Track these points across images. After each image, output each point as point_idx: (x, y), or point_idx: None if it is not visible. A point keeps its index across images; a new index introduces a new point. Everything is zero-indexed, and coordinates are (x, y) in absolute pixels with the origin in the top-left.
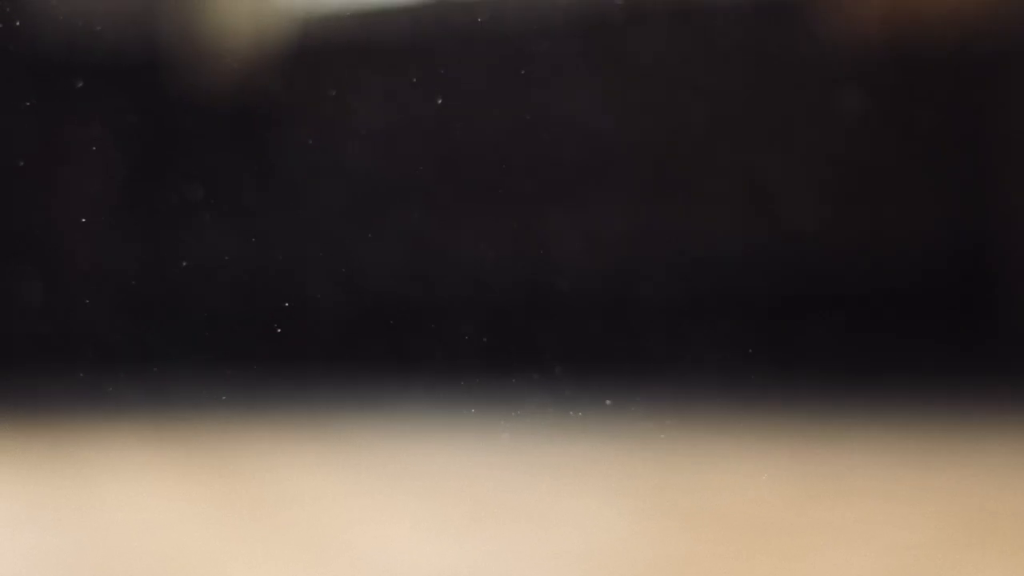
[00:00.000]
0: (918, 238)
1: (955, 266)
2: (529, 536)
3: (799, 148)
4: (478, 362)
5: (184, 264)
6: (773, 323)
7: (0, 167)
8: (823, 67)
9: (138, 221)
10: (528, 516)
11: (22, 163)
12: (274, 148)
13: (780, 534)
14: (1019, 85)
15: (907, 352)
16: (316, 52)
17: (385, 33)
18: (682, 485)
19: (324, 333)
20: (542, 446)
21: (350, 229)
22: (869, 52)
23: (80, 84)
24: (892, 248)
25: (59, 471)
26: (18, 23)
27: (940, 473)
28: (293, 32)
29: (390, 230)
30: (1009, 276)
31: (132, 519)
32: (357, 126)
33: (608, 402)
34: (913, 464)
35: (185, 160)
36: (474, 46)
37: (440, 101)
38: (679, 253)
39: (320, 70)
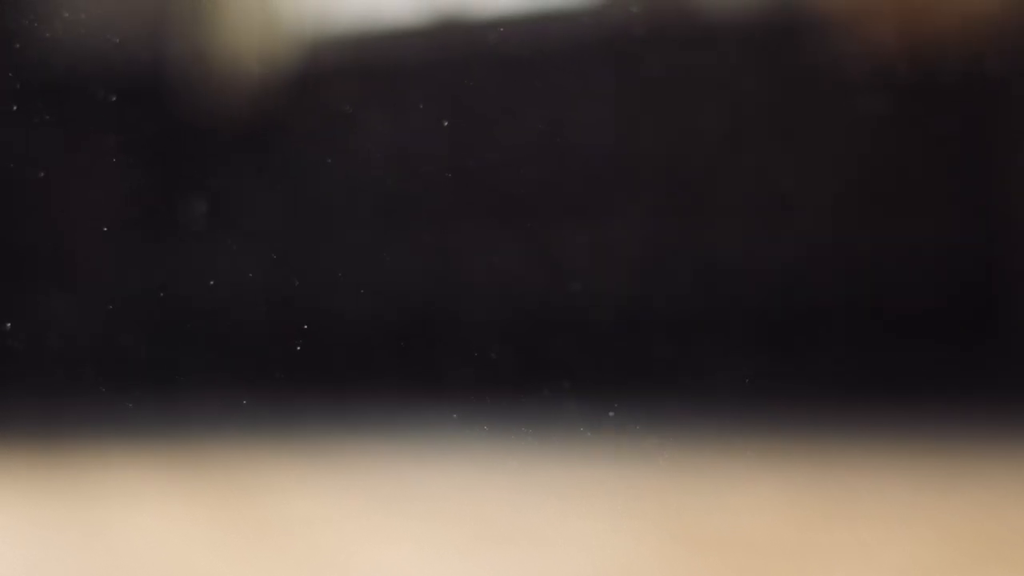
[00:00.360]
0: (931, 255)
1: (967, 284)
2: (535, 558)
3: (810, 164)
4: (486, 382)
5: (194, 285)
6: (783, 342)
7: (14, 186)
8: (835, 84)
9: (149, 241)
10: (534, 538)
11: (35, 182)
12: (286, 168)
13: (790, 556)
14: None
15: (918, 371)
16: (325, 73)
17: (394, 54)
18: (691, 507)
19: (329, 354)
20: (549, 466)
21: (358, 250)
22: (881, 69)
23: (100, 99)
24: (904, 265)
25: (66, 491)
26: (27, 44)
27: (951, 494)
28: (302, 53)
29: (398, 251)
30: (1022, 295)
31: (138, 540)
32: (367, 146)
33: (611, 413)
34: (924, 485)
35: (199, 180)
36: (483, 66)
37: (449, 121)
38: (689, 271)
39: (330, 91)
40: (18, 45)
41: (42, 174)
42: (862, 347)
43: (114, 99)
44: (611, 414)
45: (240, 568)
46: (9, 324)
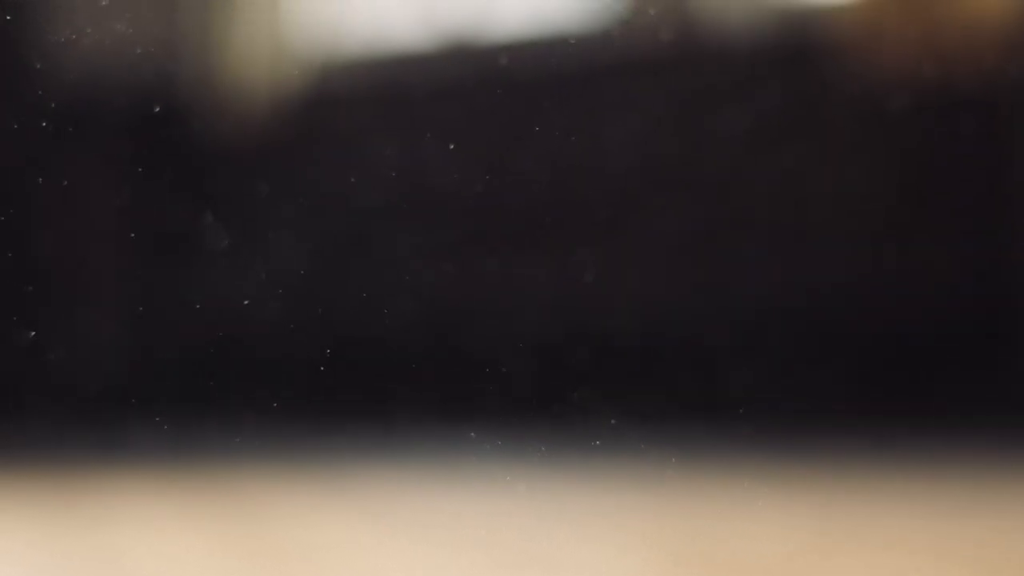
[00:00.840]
0: (946, 277)
1: (982, 312)
2: None
3: (819, 192)
4: (503, 404)
5: (203, 309)
6: (798, 365)
7: (26, 207)
8: (850, 105)
9: (161, 265)
10: (548, 565)
11: (41, 209)
12: (298, 192)
13: None
14: None
15: (934, 395)
16: (336, 97)
17: (405, 78)
18: (705, 534)
19: (341, 380)
20: (566, 489)
21: (370, 274)
22: (897, 89)
23: (110, 122)
24: (920, 287)
25: (79, 517)
26: (39, 68)
27: (967, 520)
28: (313, 77)
29: (412, 274)
30: None
31: (152, 567)
32: (378, 170)
33: (612, 421)
34: (939, 510)
35: (211, 204)
36: (493, 90)
37: (460, 144)
38: (705, 293)
39: (340, 115)
40: (30, 69)
41: (44, 203)
42: (877, 370)
43: (123, 122)
44: (612, 421)
45: None
46: (32, 333)
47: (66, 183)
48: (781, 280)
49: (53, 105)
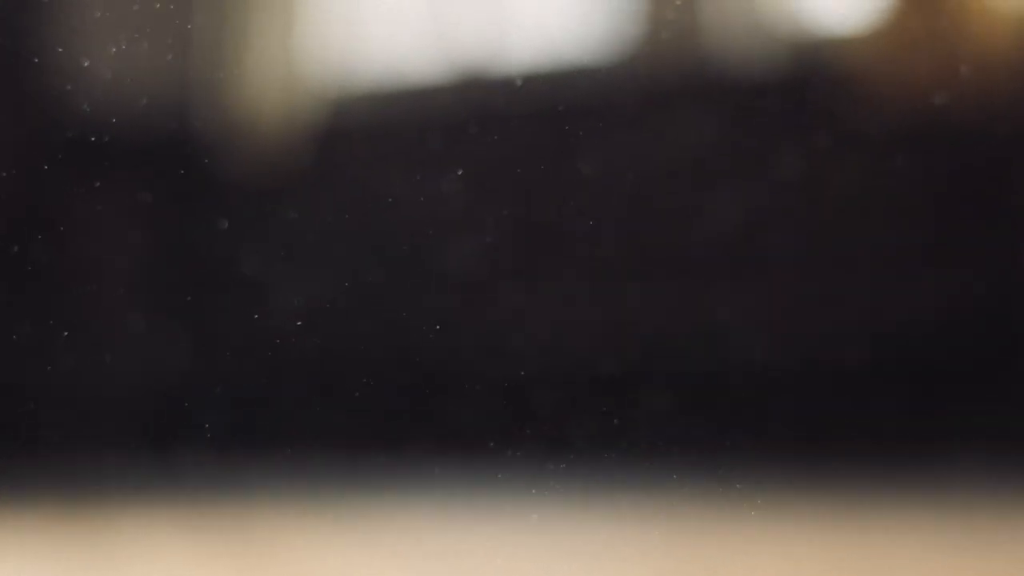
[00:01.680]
0: (956, 311)
1: (992, 343)
2: None
3: (829, 220)
4: (512, 441)
5: (214, 343)
6: (808, 399)
7: (31, 246)
8: (856, 137)
9: (175, 297)
10: None
11: (57, 240)
12: (310, 226)
13: None
14: None
15: (944, 428)
16: (349, 132)
17: (417, 112)
18: (716, 566)
19: (351, 412)
20: (575, 526)
21: (380, 309)
22: (903, 121)
23: (123, 157)
24: (929, 320)
25: (86, 553)
26: (51, 102)
27: (983, 555)
28: (326, 111)
29: (422, 310)
30: None
31: None
32: (391, 203)
33: (613, 451)
34: (956, 545)
35: (224, 238)
36: (506, 123)
37: (472, 177)
38: (709, 330)
39: (353, 149)
40: (46, 100)
41: (56, 236)
42: (886, 404)
43: (137, 154)
44: (612, 452)
45: None
46: (66, 333)
47: (80, 214)
48: (789, 307)
49: (68, 136)
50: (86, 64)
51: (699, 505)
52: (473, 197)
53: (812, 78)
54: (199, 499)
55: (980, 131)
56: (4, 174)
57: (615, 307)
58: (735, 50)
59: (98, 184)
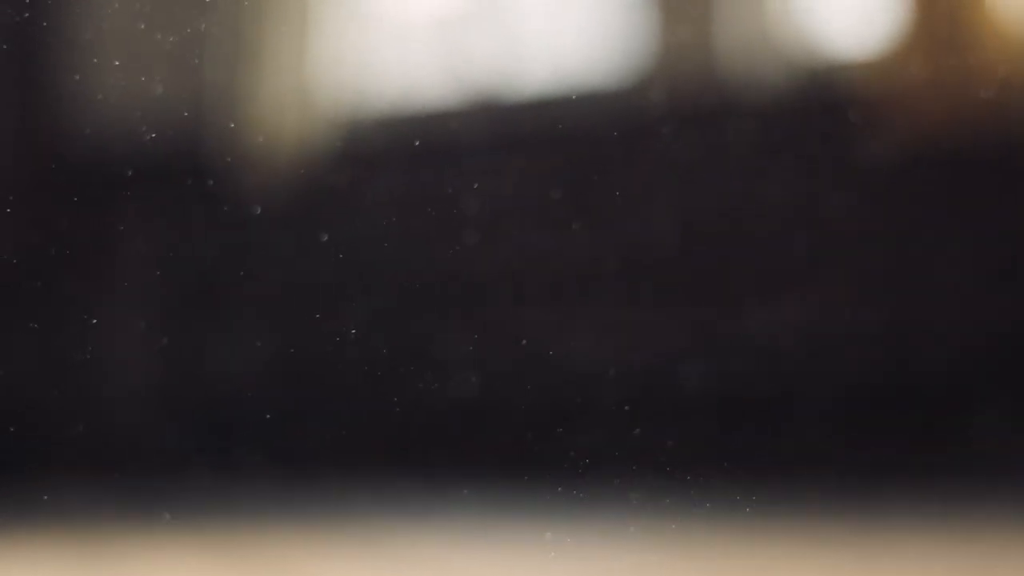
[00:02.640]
0: (972, 337)
1: (1008, 367)
2: None
3: (845, 243)
4: (527, 467)
5: (229, 367)
6: (828, 426)
7: (45, 270)
8: (868, 163)
9: (188, 321)
10: None
11: (70, 264)
12: (325, 248)
13: None
14: None
15: (963, 456)
16: (362, 155)
17: (431, 135)
18: None
19: (365, 437)
20: (592, 552)
21: (394, 333)
22: (914, 147)
23: (136, 178)
24: (944, 347)
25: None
26: (64, 124)
27: None
28: (339, 134)
29: (436, 335)
30: None
31: None
32: (405, 226)
33: (634, 499)
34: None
35: (237, 260)
36: (519, 147)
37: (485, 201)
38: (719, 353)
39: (365, 173)
40: (59, 124)
41: (69, 260)
42: (901, 431)
43: (150, 179)
44: (634, 499)
45: None
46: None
47: (94, 236)
48: (805, 331)
49: (83, 159)
50: (100, 88)
51: (721, 530)
52: (487, 219)
53: (825, 101)
54: (212, 521)
55: (993, 154)
56: (19, 198)
57: (633, 330)
58: (748, 74)
59: (111, 206)
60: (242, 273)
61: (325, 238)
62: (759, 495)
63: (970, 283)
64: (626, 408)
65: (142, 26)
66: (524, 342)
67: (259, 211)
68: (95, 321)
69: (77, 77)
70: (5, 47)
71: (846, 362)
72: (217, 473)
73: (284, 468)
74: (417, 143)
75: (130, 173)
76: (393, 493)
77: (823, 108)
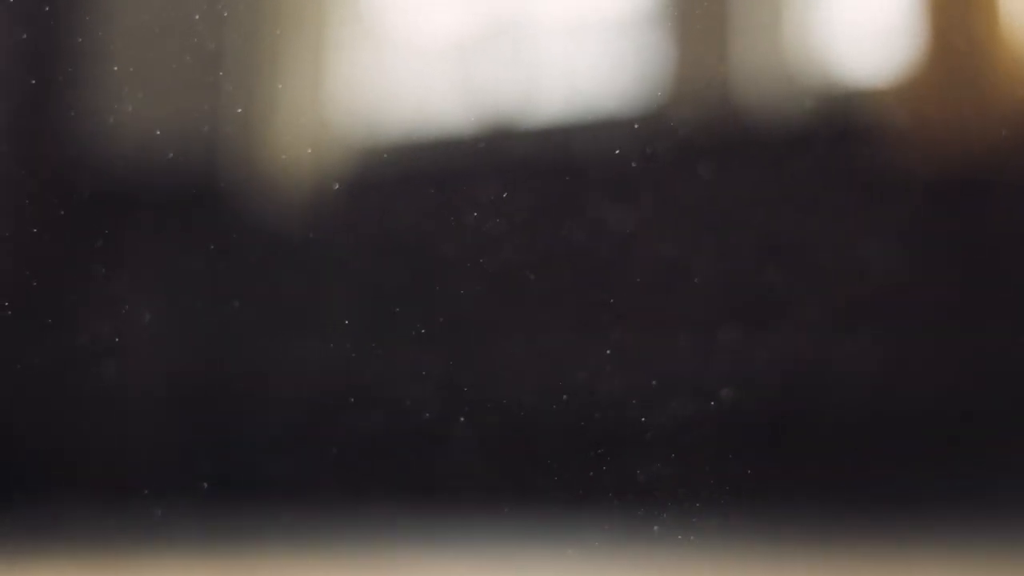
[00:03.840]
0: (996, 364)
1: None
2: None
3: (862, 273)
4: (541, 492)
5: (243, 392)
6: (848, 454)
7: (59, 296)
8: (891, 189)
9: (206, 349)
10: None
11: (83, 290)
12: (340, 276)
13: None
14: None
15: (988, 483)
16: (377, 182)
17: (446, 162)
18: None
19: (377, 463)
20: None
21: (407, 360)
22: (936, 174)
23: (150, 208)
24: (969, 374)
25: None
26: (78, 151)
27: None
28: (355, 162)
29: (449, 361)
30: None
31: None
32: (420, 254)
33: (656, 528)
34: None
35: (253, 288)
36: (535, 175)
37: (501, 228)
38: (742, 380)
39: (381, 200)
40: (71, 149)
41: (84, 285)
42: (925, 459)
43: (164, 204)
44: (655, 528)
45: None
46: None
47: (108, 264)
48: (819, 357)
49: (94, 186)
50: (113, 114)
51: (736, 554)
52: (502, 247)
53: (843, 130)
54: (220, 545)
55: (1016, 182)
56: (32, 228)
57: (647, 358)
58: (765, 101)
59: (125, 234)
60: (257, 300)
61: (323, 265)
62: (772, 522)
63: (991, 309)
64: (646, 435)
65: (155, 48)
66: (540, 368)
67: (273, 234)
68: (106, 342)
69: (89, 99)
70: (16, 66)
71: (864, 389)
72: (228, 495)
73: (300, 491)
74: (432, 168)
75: (143, 196)
76: (408, 519)
77: (840, 136)
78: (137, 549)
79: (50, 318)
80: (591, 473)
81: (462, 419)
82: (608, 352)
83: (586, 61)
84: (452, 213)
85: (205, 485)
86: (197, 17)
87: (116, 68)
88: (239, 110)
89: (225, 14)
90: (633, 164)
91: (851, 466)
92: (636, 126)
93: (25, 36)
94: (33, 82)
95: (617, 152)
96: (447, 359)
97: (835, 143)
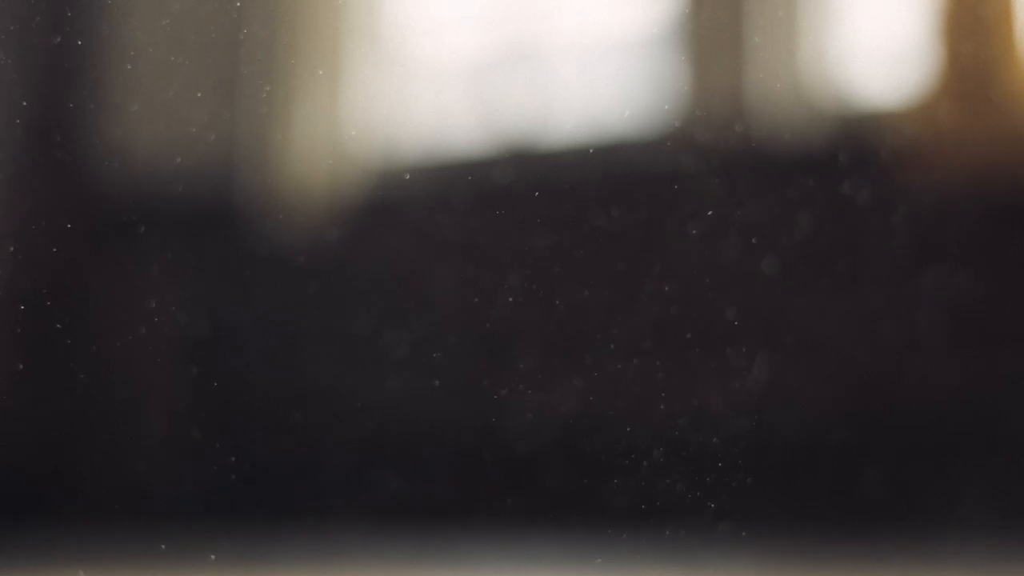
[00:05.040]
0: (1002, 395)
1: None
2: None
3: (880, 298)
4: (553, 515)
5: (254, 417)
6: (870, 480)
7: (75, 321)
8: (907, 216)
9: (223, 372)
10: None
11: (96, 310)
12: (358, 299)
13: None
14: None
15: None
16: (393, 205)
17: (464, 184)
18: None
19: (388, 486)
20: None
21: (421, 384)
22: (955, 200)
23: (167, 229)
24: (995, 400)
25: None
26: (94, 171)
27: None
28: (372, 183)
29: (461, 384)
30: None
31: None
32: (439, 276)
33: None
34: None
35: (270, 312)
36: (551, 197)
37: (518, 252)
38: (762, 408)
39: (397, 223)
40: (86, 169)
41: (99, 309)
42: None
43: (180, 224)
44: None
45: None
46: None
47: (121, 285)
48: (836, 382)
49: (110, 206)
50: (128, 134)
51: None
52: (519, 270)
53: (859, 152)
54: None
55: None
56: (45, 246)
57: (667, 381)
58: (780, 123)
59: (138, 254)
60: (272, 323)
61: (339, 288)
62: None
63: (1006, 334)
64: (661, 456)
65: (173, 70)
66: (560, 391)
67: (290, 259)
68: (118, 367)
69: (105, 121)
70: (31, 90)
71: (881, 413)
72: (246, 520)
73: (317, 512)
74: (449, 190)
75: (159, 218)
76: (413, 541)
77: (855, 158)
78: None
79: (63, 333)
80: (624, 491)
81: (492, 439)
82: (623, 369)
83: (602, 83)
84: (469, 234)
85: (220, 510)
86: (214, 36)
87: (133, 91)
88: (256, 132)
89: (242, 36)
90: (648, 185)
91: (906, 488)
92: (652, 147)
93: (43, 57)
94: (50, 104)
95: (633, 173)
96: (463, 379)
97: (850, 165)
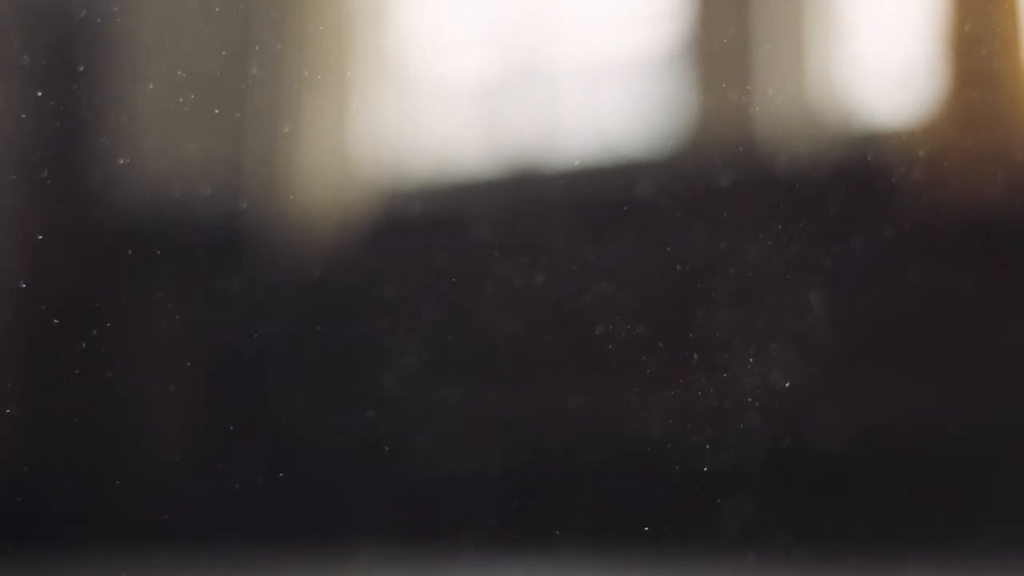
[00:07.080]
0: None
1: None
2: None
3: (889, 320)
4: (562, 536)
5: (267, 440)
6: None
7: (82, 341)
8: (923, 237)
9: (233, 395)
10: None
11: (107, 336)
12: (364, 320)
13: None
14: None
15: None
16: (402, 227)
17: (470, 206)
18: None
19: (394, 508)
20: None
21: (431, 405)
22: (972, 220)
23: (174, 251)
24: (988, 429)
25: None
26: (100, 195)
27: None
28: (379, 205)
29: (471, 407)
30: None
31: None
32: (445, 298)
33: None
34: None
35: (278, 333)
36: (560, 218)
37: (525, 272)
38: (785, 432)
39: (407, 245)
40: (92, 192)
41: (107, 331)
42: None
43: (188, 251)
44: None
45: None
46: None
47: (131, 306)
48: (843, 402)
49: (116, 230)
50: (134, 157)
51: None
52: (526, 290)
53: (867, 172)
54: None
55: None
56: (57, 271)
57: (677, 403)
58: (788, 142)
59: (147, 277)
60: (282, 343)
61: (347, 308)
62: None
63: (1013, 355)
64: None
65: (178, 92)
66: (571, 411)
67: (295, 279)
68: (132, 392)
69: (109, 144)
70: (39, 111)
71: (893, 436)
72: (263, 546)
73: (331, 536)
74: (456, 211)
75: (164, 241)
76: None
77: (863, 178)
78: None
79: (72, 361)
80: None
81: (504, 460)
82: (638, 391)
83: (610, 103)
84: (476, 256)
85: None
86: (224, 53)
87: (138, 112)
88: (262, 153)
89: (249, 56)
90: (657, 206)
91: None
92: (660, 168)
93: (48, 81)
94: (56, 126)
95: (640, 194)
96: (471, 403)
97: (859, 185)
